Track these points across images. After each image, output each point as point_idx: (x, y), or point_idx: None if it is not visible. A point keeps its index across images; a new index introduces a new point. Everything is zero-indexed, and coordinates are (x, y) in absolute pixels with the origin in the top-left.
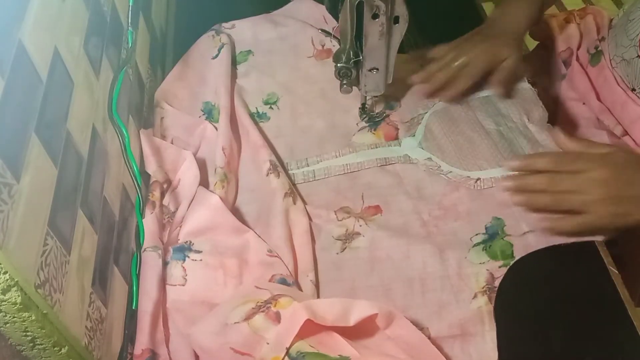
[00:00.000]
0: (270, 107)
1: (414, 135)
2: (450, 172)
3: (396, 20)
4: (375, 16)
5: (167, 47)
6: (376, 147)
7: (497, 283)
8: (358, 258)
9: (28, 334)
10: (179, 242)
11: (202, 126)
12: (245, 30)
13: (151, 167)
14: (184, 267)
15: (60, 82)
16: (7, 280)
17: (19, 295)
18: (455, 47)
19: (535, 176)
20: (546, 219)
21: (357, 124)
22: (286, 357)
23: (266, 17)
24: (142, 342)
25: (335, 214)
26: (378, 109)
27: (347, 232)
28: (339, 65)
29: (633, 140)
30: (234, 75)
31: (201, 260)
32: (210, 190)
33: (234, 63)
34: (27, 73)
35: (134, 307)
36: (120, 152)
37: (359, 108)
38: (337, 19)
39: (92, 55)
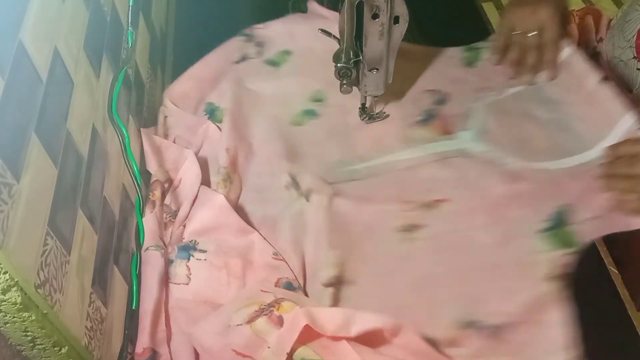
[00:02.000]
0: (319, 104)
1: (469, 130)
2: (509, 162)
3: (396, 20)
4: (375, 16)
5: (167, 47)
6: (432, 142)
7: (561, 271)
8: (422, 248)
9: (28, 334)
10: (184, 241)
11: (205, 125)
12: (280, 30)
13: (152, 166)
14: (188, 266)
15: (60, 82)
16: (7, 280)
17: (19, 295)
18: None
19: (616, 162)
20: (626, 201)
21: (412, 119)
22: None
23: (299, 16)
24: (143, 341)
25: (397, 206)
26: (378, 109)
27: (408, 224)
28: (339, 65)
29: None
30: (260, 78)
31: (205, 259)
32: (213, 189)
33: (274, 64)
34: (27, 73)
35: (134, 307)
36: (120, 152)
37: (359, 108)
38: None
39: (92, 55)
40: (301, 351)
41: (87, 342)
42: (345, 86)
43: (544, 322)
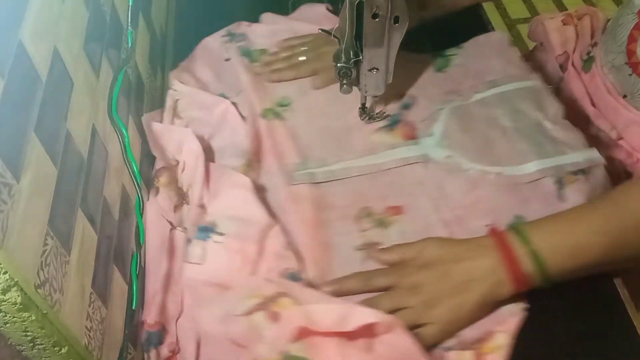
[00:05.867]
0: (285, 109)
1: (432, 134)
2: (471, 168)
3: (396, 20)
4: (375, 16)
5: (167, 47)
6: (395, 148)
7: None
8: (381, 266)
9: (28, 334)
10: (205, 221)
11: (224, 106)
12: (262, 29)
13: (157, 152)
14: (204, 247)
15: (60, 82)
16: (7, 280)
17: (19, 295)
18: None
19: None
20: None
21: (377, 124)
22: None
23: (283, 17)
24: (155, 315)
25: (357, 225)
26: (378, 109)
27: (367, 243)
28: (339, 65)
29: (629, 143)
30: (253, 76)
31: (222, 243)
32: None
33: (250, 56)
34: (27, 73)
35: (134, 307)
36: (120, 152)
37: (359, 108)
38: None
39: (92, 55)
40: (291, 347)
41: (87, 342)
42: (345, 86)
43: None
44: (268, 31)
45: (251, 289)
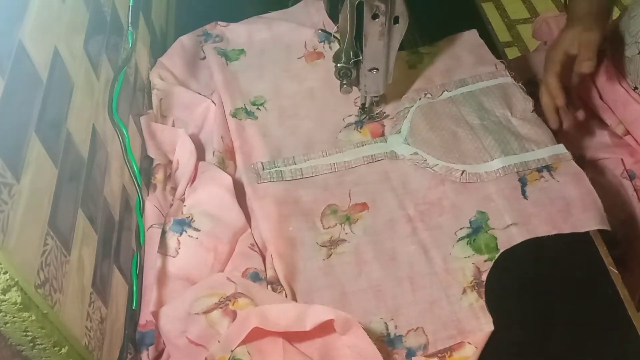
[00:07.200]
0: (258, 109)
1: (400, 132)
2: (437, 165)
3: (396, 20)
4: (375, 16)
5: (167, 47)
6: (362, 145)
7: (484, 277)
8: (345, 263)
9: (28, 334)
10: (182, 215)
11: (205, 104)
12: (239, 29)
13: (151, 151)
14: (179, 240)
15: (60, 82)
16: (7, 280)
17: (19, 295)
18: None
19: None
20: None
21: (343, 119)
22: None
23: (262, 18)
24: (146, 313)
25: (322, 222)
26: (378, 108)
27: (331, 239)
28: (339, 65)
29: (635, 139)
30: (228, 75)
31: (197, 238)
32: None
33: (227, 57)
34: (27, 73)
35: (134, 307)
36: (120, 152)
37: (359, 108)
38: (336, 19)
39: (92, 55)
40: (238, 350)
41: (87, 342)
42: (345, 86)
43: (476, 332)
44: (245, 31)
45: (210, 287)
